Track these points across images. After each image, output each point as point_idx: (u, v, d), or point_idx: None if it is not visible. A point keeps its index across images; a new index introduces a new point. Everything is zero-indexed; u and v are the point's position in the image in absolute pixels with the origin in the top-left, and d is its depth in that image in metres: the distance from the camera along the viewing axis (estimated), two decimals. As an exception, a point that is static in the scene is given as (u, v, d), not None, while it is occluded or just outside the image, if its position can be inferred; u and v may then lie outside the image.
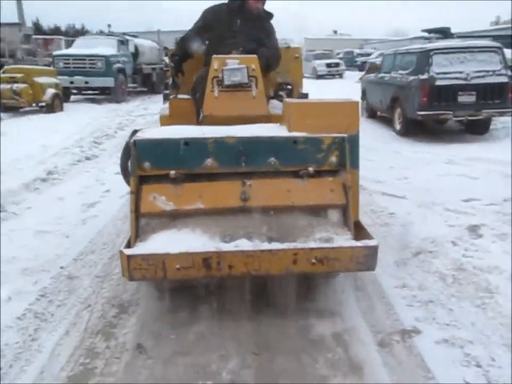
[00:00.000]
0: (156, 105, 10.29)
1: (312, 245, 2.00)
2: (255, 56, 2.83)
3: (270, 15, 3.45)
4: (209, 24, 3.32)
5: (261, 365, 1.96)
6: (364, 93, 9.84)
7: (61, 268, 2.86)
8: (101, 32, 27.43)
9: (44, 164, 5.41)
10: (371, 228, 2.41)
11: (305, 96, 3.72)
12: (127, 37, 15.16)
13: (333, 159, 2.16)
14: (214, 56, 2.85)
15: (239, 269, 1.97)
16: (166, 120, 3.20)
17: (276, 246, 1.98)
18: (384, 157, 5.84)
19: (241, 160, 2.14)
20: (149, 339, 2.13)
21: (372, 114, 9.40)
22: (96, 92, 13.74)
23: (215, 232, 2.07)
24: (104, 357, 2.02)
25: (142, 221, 2.13)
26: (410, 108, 7.03)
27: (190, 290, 2.41)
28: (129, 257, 1.92)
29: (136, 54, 15.02)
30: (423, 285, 2.57)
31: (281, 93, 3.49)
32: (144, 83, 16.08)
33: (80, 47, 13.80)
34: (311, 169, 2.15)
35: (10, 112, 10.40)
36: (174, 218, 2.14)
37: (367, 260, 2.00)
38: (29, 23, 22.88)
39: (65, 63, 13.05)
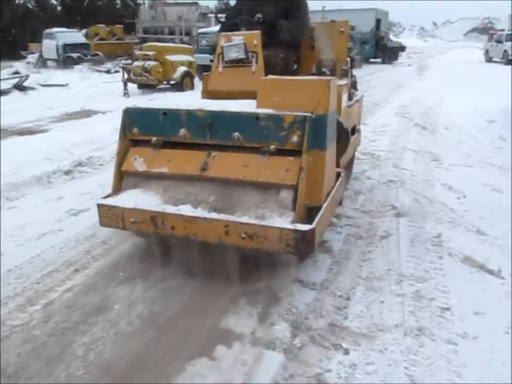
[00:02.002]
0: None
1: (243, 219, 2.04)
2: (257, 32, 2.79)
3: None
4: (236, 4, 3.40)
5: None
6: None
7: None
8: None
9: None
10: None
11: (346, 73, 3.42)
12: None
13: (295, 138, 2.11)
14: (222, 33, 2.90)
15: (180, 231, 2.16)
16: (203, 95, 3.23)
17: (211, 215, 2.10)
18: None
19: (209, 133, 2.26)
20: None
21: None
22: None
23: (170, 195, 2.31)
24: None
25: (122, 177, 2.47)
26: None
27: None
28: (99, 205, 2.35)
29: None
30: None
31: (324, 69, 3.30)
32: None
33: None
34: (272, 147, 2.14)
35: (146, 89, 10.81)
36: (145, 178, 2.41)
37: (296, 244, 1.95)
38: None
39: (207, 41, 12.35)
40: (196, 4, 26.00)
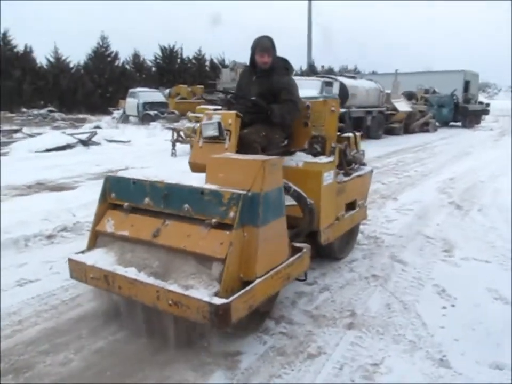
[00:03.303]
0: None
1: (171, 287, 2.16)
2: (233, 112, 2.97)
3: (288, 69, 3.51)
4: (239, 82, 3.70)
5: None
6: None
7: None
8: (373, 73, 31.96)
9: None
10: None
11: (333, 150, 3.44)
12: (331, 78, 14.36)
13: (231, 213, 2.22)
14: (206, 111, 3.16)
15: (125, 291, 2.35)
16: None
17: (147, 280, 2.25)
18: None
19: (164, 203, 2.47)
20: None
21: None
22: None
23: (125, 257, 2.53)
24: None
25: (97, 236, 2.75)
26: None
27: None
28: (69, 260, 2.66)
29: (343, 96, 13.87)
30: None
31: (315, 145, 3.42)
32: (355, 126, 14.56)
33: None
34: (214, 220, 2.26)
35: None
36: (112, 239, 2.67)
37: (212, 317, 2.02)
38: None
39: None
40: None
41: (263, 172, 2.28)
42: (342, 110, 4.61)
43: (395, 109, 17.42)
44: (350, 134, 4.00)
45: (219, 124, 2.90)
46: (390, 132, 17.16)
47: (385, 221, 5.09)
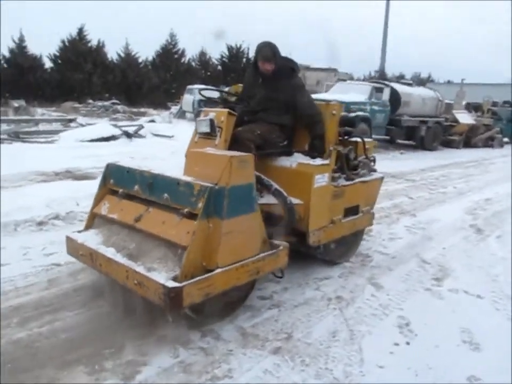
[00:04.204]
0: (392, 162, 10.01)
1: (137, 268, 2.32)
2: (225, 110, 3.03)
3: (294, 70, 3.51)
4: (244, 82, 3.72)
5: None
6: None
7: None
8: (449, 82, 31.02)
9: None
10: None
11: (330, 153, 3.49)
12: (382, 84, 13.74)
13: (200, 204, 2.34)
14: (203, 108, 3.28)
15: (104, 269, 2.57)
16: None
17: (120, 260, 2.44)
18: None
19: (149, 191, 2.64)
20: None
21: None
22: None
23: (110, 238, 2.74)
24: None
25: (95, 218, 3.00)
26: None
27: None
28: (66, 237, 2.93)
29: (395, 104, 13.40)
30: None
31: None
32: (409, 136, 14.45)
33: (334, 93, 13.27)
34: (186, 210, 2.39)
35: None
36: (105, 221, 2.90)
37: (165, 298, 2.14)
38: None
39: None
40: (335, 70, 26.70)
41: (230, 167, 2.41)
42: (352, 114, 4.44)
43: (456, 120, 16.34)
44: (358, 139, 3.93)
45: (211, 121, 2.98)
46: (448, 144, 16.12)
47: (388, 238, 4.71)
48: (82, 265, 3.46)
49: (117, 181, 2.92)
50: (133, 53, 30.21)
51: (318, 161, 3.30)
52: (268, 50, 3.35)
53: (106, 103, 22.24)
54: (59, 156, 9.03)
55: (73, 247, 2.85)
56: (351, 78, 24.99)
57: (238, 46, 34.97)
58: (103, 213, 2.89)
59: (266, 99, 3.41)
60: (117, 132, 11.99)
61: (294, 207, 3.06)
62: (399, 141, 14.72)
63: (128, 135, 12.03)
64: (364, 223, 4.02)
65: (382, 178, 4.16)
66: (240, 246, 2.53)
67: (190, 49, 41.60)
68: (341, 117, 4.08)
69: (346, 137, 3.79)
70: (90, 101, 23.01)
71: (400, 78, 31.83)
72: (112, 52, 31.48)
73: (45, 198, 5.33)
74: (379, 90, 12.94)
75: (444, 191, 7.71)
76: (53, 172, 7.48)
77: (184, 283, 2.19)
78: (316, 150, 3.41)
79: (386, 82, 14.22)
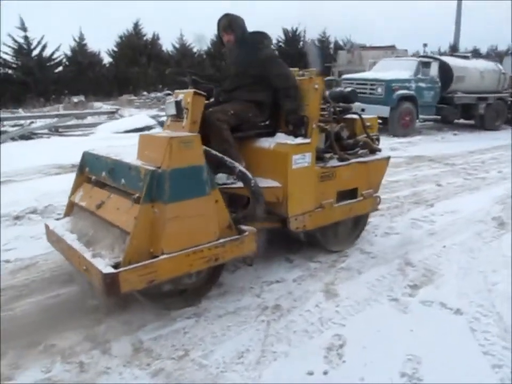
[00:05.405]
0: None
1: (85, 254, 2.35)
2: (191, 91, 2.88)
3: (264, 42, 3.34)
4: (226, 61, 3.61)
5: None
6: None
7: None
8: None
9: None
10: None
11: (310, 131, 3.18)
12: (430, 58, 12.43)
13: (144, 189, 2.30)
14: (175, 90, 3.17)
15: (66, 255, 2.67)
16: None
17: (75, 246, 2.50)
18: None
19: (112, 177, 2.64)
20: None
21: None
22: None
23: (76, 225, 2.84)
24: None
25: (73, 206, 3.06)
26: None
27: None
28: (45, 225, 3.05)
29: (447, 79, 11.97)
30: None
31: (301, 127, 3.21)
32: (466, 115, 12.99)
33: (377, 70, 12.32)
34: (137, 195, 2.35)
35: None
36: (77, 208, 2.97)
37: (103, 284, 2.14)
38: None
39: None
40: (392, 47, 25.08)
41: (170, 149, 2.33)
42: (348, 89, 3.98)
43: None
44: (355, 116, 3.69)
45: (176, 102, 2.89)
46: (515, 123, 14.28)
47: (382, 233, 4.09)
48: (27, 263, 3.37)
49: (91, 169, 2.97)
50: (187, 44, 30.43)
51: (298, 140, 3.07)
52: (224, 20, 3.28)
53: (159, 94, 22.61)
54: (85, 148, 9.19)
55: (49, 234, 2.97)
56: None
57: (294, 29, 34.01)
58: (76, 200, 2.96)
59: (238, 76, 3.28)
60: (151, 122, 12.04)
61: (261, 190, 2.79)
62: (456, 121, 13.31)
63: (163, 125, 12.03)
64: (365, 208, 3.69)
65: (387, 158, 3.79)
66: (191, 231, 2.43)
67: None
68: (336, 92, 3.84)
69: (341, 114, 3.56)
70: (145, 93, 23.55)
71: (473, 52, 29.02)
72: (168, 44, 31.96)
73: (41, 191, 5.34)
74: (426, 65, 11.67)
75: (485, 176, 6.71)
76: (70, 165, 7.57)
77: (120, 269, 2.16)
78: (295, 128, 3.17)
79: (436, 56, 12.84)
